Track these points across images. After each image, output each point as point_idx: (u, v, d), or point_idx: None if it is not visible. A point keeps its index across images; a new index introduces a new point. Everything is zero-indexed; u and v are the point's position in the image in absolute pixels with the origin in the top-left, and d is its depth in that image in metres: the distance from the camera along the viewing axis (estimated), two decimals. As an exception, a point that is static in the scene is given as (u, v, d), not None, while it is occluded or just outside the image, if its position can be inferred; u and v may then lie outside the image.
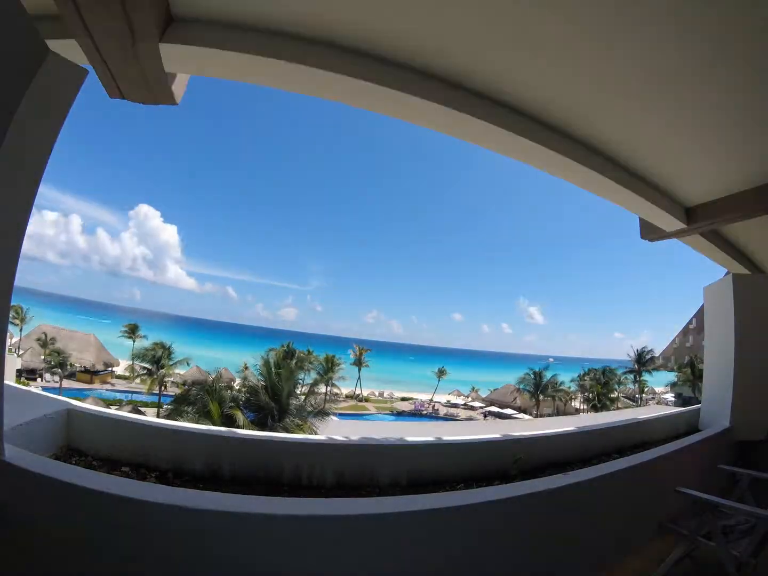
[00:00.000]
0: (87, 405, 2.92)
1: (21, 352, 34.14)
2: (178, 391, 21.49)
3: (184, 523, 1.58)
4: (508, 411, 38.97)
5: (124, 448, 2.46)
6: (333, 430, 15.33)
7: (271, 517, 1.60)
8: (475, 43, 1.87)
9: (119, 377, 41.71)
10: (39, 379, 34.16)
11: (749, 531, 2.39)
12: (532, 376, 37.98)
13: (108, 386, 39.39)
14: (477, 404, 45.81)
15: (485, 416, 38.56)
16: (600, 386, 38.06)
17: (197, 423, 11.47)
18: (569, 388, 39.72)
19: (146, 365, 29.89)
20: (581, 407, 40.66)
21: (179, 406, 13.55)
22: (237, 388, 18.35)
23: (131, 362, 34.46)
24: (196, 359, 38.86)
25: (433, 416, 41.96)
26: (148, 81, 1.88)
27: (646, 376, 42.40)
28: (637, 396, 43.75)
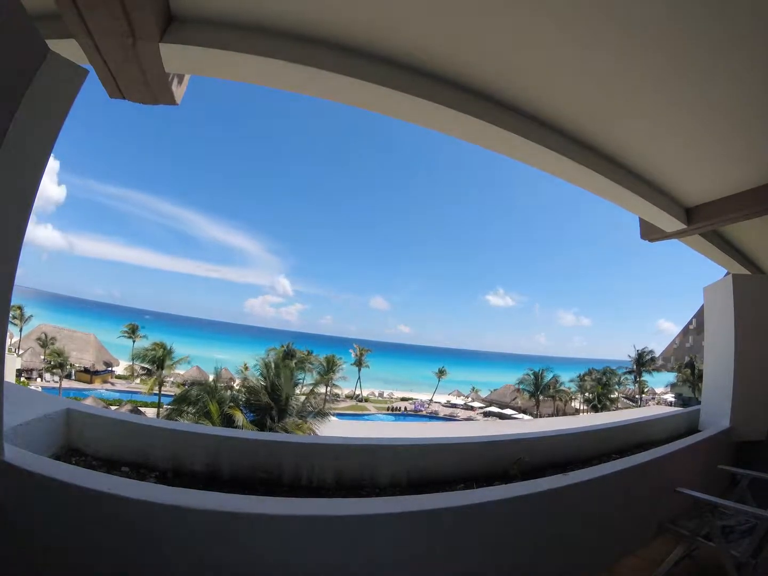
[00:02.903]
0: (87, 405, 2.92)
1: (21, 352, 34.15)
2: (178, 391, 21.46)
3: (184, 523, 1.57)
4: (508, 411, 38.96)
5: (124, 448, 2.46)
6: (333, 430, 15.33)
7: (271, 517, 1.60)
8: (474, 44, 1.87)
9: (119, 377, 41.72)
10: (39, 379, 34.16)
11: (749, 531, 2.39)
12: (532, 376, 37.99)
13: (108, 386, 39.40)
14: (477, 404, 45.79)
15: (485, 416, 38.53)
16: (600, 387, 38.07)
17: (197, 423, 11.51)
18: (569, 388, 39.72)
19: (146, 365, 29.86)
20: (581, 408, 40.65)
21: (179, 406, 13.55)
22: (237, 388, 18.36)
23: (131, 362, 34.46)
24: (197, 359, 38.89)
25: (433, 416, 41.98)
26: (148, 81, 1.88)
27: (645, 377, 42.42)
28: (637, 396, 43.76)
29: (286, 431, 13.33)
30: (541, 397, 37.51)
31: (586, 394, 38.99)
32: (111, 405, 27.48)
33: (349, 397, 47.36)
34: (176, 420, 11.84)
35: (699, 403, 4.72)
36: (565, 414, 36.18)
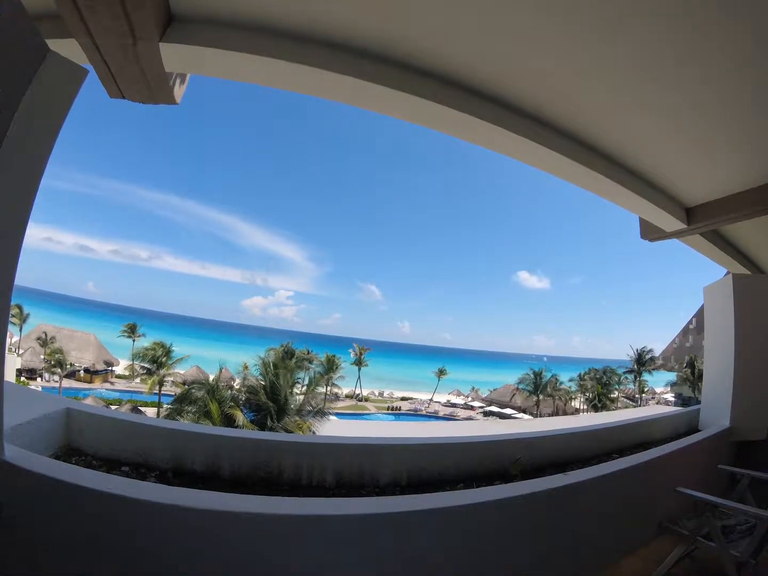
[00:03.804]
0: (87, 404, 2.92)
1: (21, 351, 34.16)
2: (178, 390, 21.46)
3: (184, 523, 1.57)
4: (508, 411, 38.96)
5: (124, 448, 2.46)
6: (333, 430, 15.34)
7: (271, 517, 1.60)
8: (473, 43, 1.87)
9: (119, 377, 41.73)
10: (39, 379, 34.17)
11: (749, 531, 2.39)
12: (532, 375, 38.01)
13: (108, 386, 39.43)
14: (477, 404, 45.81)
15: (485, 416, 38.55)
16: (600, 386, 38.09)
17: (197, 423, 11.52)
18: (570, 388, 39.75)
19: (146, 365, 29.86)
20: (581, 407, 40.68)
21: (179, 405, 13.56)
22: (237, 387, 18.37)
23: (131, 362, 34.46)
24: (197, 359, 38.93)
25: (433, 416, 42.01)
26: (148, 80, 1.88)
27: (645, 376, 42.44)
28: (636, 396, 43.78)
29: (287, 431, 13.34)
30: (541, 397, 37.52)
31: (587, 393, 39.00)
32: (111, 404, 27.50)
33: (349, 396, 47.39)
34: (177, 420, 11.86)
35: (699, 402, 4.73)
36: (565, 413, 36.19)
